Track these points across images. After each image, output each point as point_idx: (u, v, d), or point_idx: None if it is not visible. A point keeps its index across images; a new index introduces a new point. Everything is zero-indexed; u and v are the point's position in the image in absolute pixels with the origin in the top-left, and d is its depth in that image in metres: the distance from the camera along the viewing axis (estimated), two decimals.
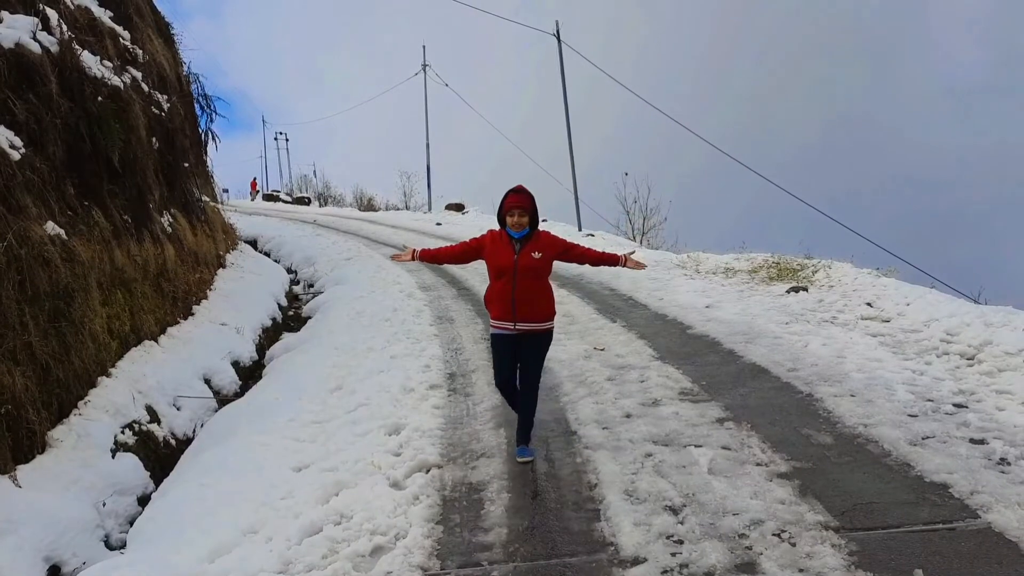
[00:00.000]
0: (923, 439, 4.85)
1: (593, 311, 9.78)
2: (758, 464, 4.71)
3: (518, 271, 4.96)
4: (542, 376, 7.00)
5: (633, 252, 5.48)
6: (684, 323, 8.71)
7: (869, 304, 8.57)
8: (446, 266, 11.96)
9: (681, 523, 4.04)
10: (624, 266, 5.29)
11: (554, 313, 5.20)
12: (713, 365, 6.94)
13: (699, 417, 5.60)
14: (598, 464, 4.90)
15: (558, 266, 12.83)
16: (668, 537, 3.91)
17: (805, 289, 9.71)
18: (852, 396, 5.73)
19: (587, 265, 5.34)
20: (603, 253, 5.36)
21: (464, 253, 5.30)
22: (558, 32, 21.45)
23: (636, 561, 3.72)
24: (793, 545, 3.73)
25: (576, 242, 5.46)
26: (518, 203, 4.98)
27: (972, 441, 4.78)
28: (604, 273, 12.38)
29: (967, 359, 6.48)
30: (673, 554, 3.75)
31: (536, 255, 5.00)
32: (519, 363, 5.18)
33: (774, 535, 3.84)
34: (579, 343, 8.16)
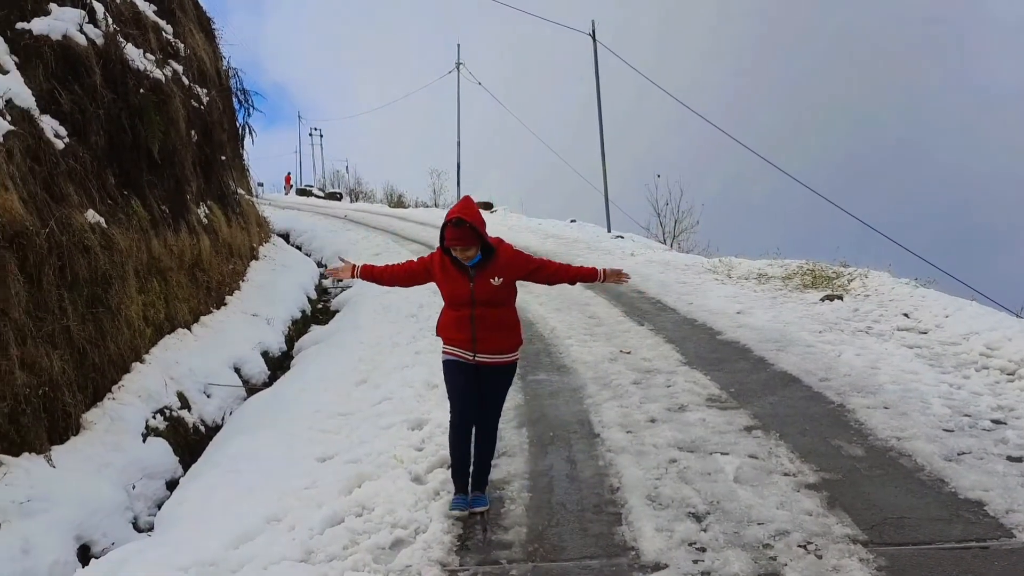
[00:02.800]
0: (959, 455, 4.73)
1: (620, 313, 9.72)
2: (786, 474, 4.63)
3: (476, 302, 4.25)
4: (565, 377, 7.01)
5: (618, 269, 4.70)
6: (714, 328, 8.62)
7: (906, 315, 8.40)
8: None
9: (704, 530, 3.99)
10: (604, 281, 4.53)
11: (521, 342, 4.51)
12: (742, 372, 6.86)
13: (726, 424, 5.53)
14: (621, 468, 4.86)
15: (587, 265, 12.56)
16: (690, 544, 3.87)
17: (840, 298, 9.55)
18: (886, 408, 5.62)
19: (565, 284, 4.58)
20: (580, 268, 4.56)
21: (411, 275, 4.56)
22: (593, 32, 21.37)
23: (657, 567, 3.68)
24: (819, 557, 3.66)
25: (548, 259, 4.64)
26: (459, 238, 4.11)
27: (1010, 459, 4.65)
28: (633, 276, 12.29)
29: (1007, 374, 6.32)
30: (695, 561, 3.70)
31: (495, 281, 4.23)
32: (480, 398, 4.44)
33: (800, 547, 3.77)
34: (605, 345, 8.12)
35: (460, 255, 4.17)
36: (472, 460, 4.45)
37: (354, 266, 4.62)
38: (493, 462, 4.87)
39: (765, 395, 6.16)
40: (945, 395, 5.84)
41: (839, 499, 4.25)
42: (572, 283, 4.61)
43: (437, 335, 4.55)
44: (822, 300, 9.55)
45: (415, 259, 4.70)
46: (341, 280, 4.82)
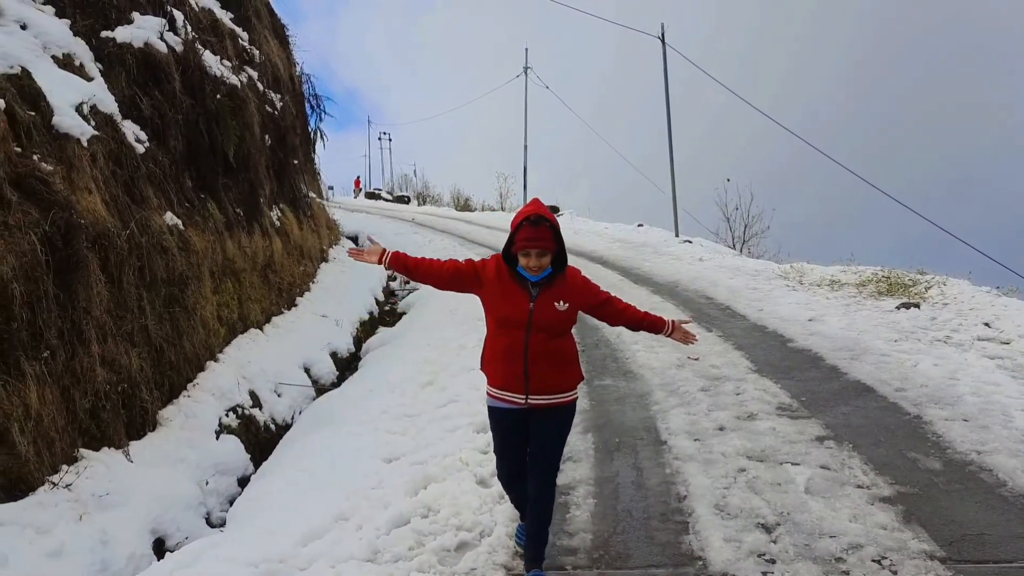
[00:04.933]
0: None
1: (688, 319, 9.56)
2: (859, 486, 4.49)
3: (533, 326, 3.47)
4: (632, 383, 6.92)
5: (688, 322, 4.09)
6: (785, 336, 8.41)
7: (987, 324, 8.04)
8: None
9: (774, 542, 3.90)
10: (670, 336, 3.85)
11: (581, 378, 3.73)
12: (814, 381, 6.67)
13: (797, 434, 5.39)
14: (688, 476, 4.79)
15: (654, 270, 12.55)
16: (760, 555, 3.78)
17: (917, 306, 9.19)
18: (965, 420, 5.39)
19: (621, 327, 3.83)
20: (647, 315, 3.81)
21: (454, 276, 3.66)
22: (663, 36, 21.10)
23: None
24: (894, 573, 3.53)
25: (612, 294, 3.84)
26: (538, 239, 3.39)
27: None
28: (701, 281, 12.12)
29: None
30: (764, 573, 3.62)
31: (561, 306, 3.49)
32: (529, 447, 3.69)
33: (874, 561, 3.65)
34: (672, 351, 8.00)
35: (533, 263, 3.41)
36: (526, 526, 3.72)
37: (384, 251, 3.76)
38: (559, 466, 4.24)
39: (838, 405, 5.97)
40: None
41: (915, 513, 4.10)
42: (634, 328, 3.85)
43: (482, 370, 3.75)
44: (898, 308, 9.21)
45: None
46: (368, 261, 4.02)
